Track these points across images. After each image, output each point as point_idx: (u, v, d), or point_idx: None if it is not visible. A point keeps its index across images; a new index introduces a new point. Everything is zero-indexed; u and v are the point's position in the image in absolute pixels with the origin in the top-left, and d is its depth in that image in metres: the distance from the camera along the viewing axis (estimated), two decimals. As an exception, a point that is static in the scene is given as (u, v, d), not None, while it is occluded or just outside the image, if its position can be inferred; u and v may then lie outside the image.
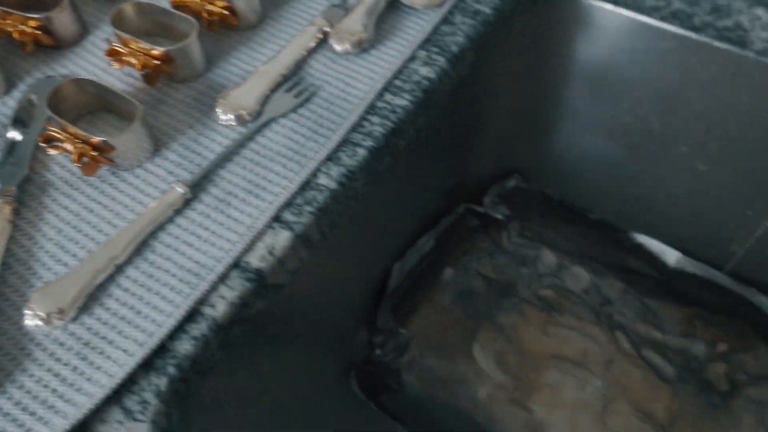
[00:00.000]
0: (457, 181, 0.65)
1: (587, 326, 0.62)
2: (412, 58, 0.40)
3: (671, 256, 0.63)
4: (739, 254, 0.58)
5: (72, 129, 0.35)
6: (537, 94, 0.57)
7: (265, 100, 0.37)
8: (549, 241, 0.67)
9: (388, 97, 0.38)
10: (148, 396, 0.28)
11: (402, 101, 0.38)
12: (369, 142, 0.36)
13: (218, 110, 0.37)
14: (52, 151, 0.36)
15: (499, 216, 0.66)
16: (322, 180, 0.35)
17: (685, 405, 0.57)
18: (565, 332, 0.62)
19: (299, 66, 0.40)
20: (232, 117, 0.36)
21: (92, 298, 0.31)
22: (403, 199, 0.57)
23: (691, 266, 0.62)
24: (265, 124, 0.37)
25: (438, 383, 0.58)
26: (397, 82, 0.39)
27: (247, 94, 0.37)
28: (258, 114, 0.37)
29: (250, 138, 0.36)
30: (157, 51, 0.38)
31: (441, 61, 0.40)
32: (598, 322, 0.62)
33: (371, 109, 0.37)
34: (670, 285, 0.63)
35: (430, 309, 0.63)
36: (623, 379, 0.58)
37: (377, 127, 0.37)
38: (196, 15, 0.42)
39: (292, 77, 0.39)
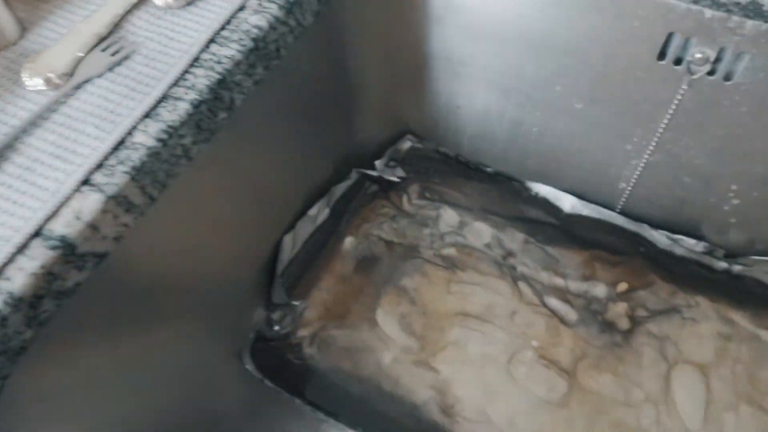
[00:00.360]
0: (348, 146, 0.63)
1: (491, 280, 0.61)
2: (242, 7, 0.38)
3: (566, 201, 0.63)
4: (627, 191, 0.58)
5: None
6: (411, 48, 0.55)
7: (78, 61, 0.35)
8: (449, 200, 0.66)
9: (214, 48, 0.36)
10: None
11: (229, 51, 0.36)
12: (192, 95, 0.34)
13: (24, 75, 0.34)
14: None
15: (394, 178, 0.64)
16: (139, 138, 0.32)
17: (587, 347, 0.57)
18: (468, 289, 0.61)
19: (119, 24, 0.37)
20: (41, 81, 0.34)
21: None
22: (289, 166, 0.55)
23: (586, 209, 0.62)
24: (79, 86, 0.34)
25: (341, 353, 0.57)
26: (225, 33, 0.37)
27: (56, 56, 0.34)
28: (70, 76, 0.34)
29: (61, 101, 0.34)
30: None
31: (272, 8, 0.37)
32: (501, 275, 0.61)
33: (196, 62, 0.35)
34: (568, 230, 0.62)
35: (331, 279, 0.61)
36: (527, 328, 0.58)
37: (201, 79, 0.34)
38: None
39: (110, 36, 0.36)
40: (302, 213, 0.59)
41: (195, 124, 0.34)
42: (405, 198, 0.66)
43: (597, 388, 0.54)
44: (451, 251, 0.63)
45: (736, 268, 0.56)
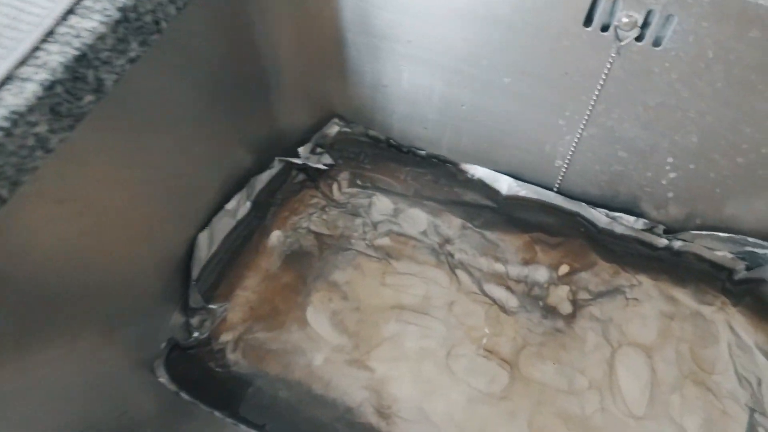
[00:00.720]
0: (269, 133, 0.58)
1: (427, 270, 0.58)
2: (110, -28, 0.33)
3: (503, 183, 0.59)
4: (564, 169, 0.55)
5: None
6: (327, 22, 0.51)
7: None
8: (382, 186, 0.62)
9: (73, 20, 0.31)
10: None
11: (91, 23, 0.31)
12: (43, 75, 0.29)
13: None
14: None
15: (321, 166, 0.60)
16: (-24, 127, 0.27)
17: (529, 335, 0.54)
18: (404, 280, 0.57)
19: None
20: None
21: None
22: (201, 156, 0.50)
23: (523, 190, 0.59)
24: None
25: (268, 357, 0.52)
26: (87, 2, 0.32)
27: None
28: None
29: None
30: None
31: (147, -27, 0.33)
32: (438, 263, 0.58)
33: (50, 36, 0.30)
34: (507, 213, 0.59)
35: (256, 277, 0.57)
36: (466, 319, 0.55)
37: (56, 56, 0.29)
38: None
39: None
40: (220, 207, 0.55)
41: (50, 108, 0.29)
42: (335, 186, 0.62)
43: (539, 378, 0.52)
44: (385, 241, 0.59)
45: (677, 244, 0.54)
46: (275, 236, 0.59)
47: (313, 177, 0.62)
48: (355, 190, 0.62)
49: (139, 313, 0.48)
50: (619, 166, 0.52)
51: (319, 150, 0.61)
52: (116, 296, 0.45)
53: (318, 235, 0.59)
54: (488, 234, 0.59)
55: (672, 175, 0.50)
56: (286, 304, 0.55)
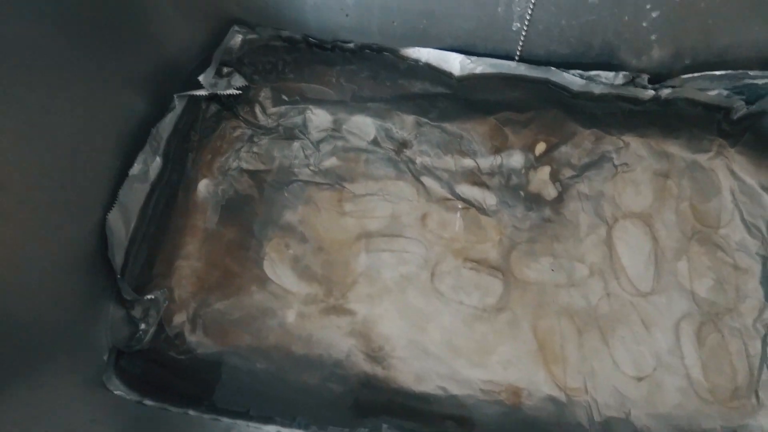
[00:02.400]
0: (157, 65, 0.46)
1: (388, 185, 0.50)
2: None
3: (455, 62, 0.50)
4: (524, 32, 0.46)
5: None
6: None
7: None
8: (313, 96, 0.52)
9: None
10: None
11: None
12: None
13: None
14: None
15: (233, 91, 0.49)
16: None
17: (516, 233, 0.48)
18: (365, 203, 0.49)
19: None
20: None
21: None
22: (73, 115, 0.39)
23: (479, 66, 0.49)
24: None
25: (234, 329, 0.46)
26: None
27: None
28: None
29: None
30: None
31: None
32: (399, 174, 0.50)
33: None
34: (464, 97, 0.50)
35: (196, 242, 0.48)
36: (443, 231, 0.48)
37: None
38: None
39: None
40: (124, 175, 0.44)
41: None
42: (258, 109, 0.51)
43: (536, 278, 0.46)
44: (332, 162, 0.51)
45: (665, 92, 0.47)
46: (203, 187, 0.49)
47: (229, 104, 0.51)
48: (282, 108, 0.51)
49: (66, 327, 0.40)
50: (589, 15, 0.42)
51: (225, 71, 0.50)
52: (27, 319, 0.36)
53: (253, 174, 0.50)
54: (448, 126, 0.50)
55: (654, 14, 0.41)
56: (238, 264, 0.48)
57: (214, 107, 0.51)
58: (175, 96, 0.46)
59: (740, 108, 0.46)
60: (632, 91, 0.47)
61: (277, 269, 0.47)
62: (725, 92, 0.45)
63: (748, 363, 0.43)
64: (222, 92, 0.48)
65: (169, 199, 0.48)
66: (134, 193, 0.45)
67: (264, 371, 0.44)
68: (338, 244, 0.48)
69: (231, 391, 0.43)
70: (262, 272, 0.47)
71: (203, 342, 0.45)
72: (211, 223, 0.49)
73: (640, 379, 0.43)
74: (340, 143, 0.51)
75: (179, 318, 0.46)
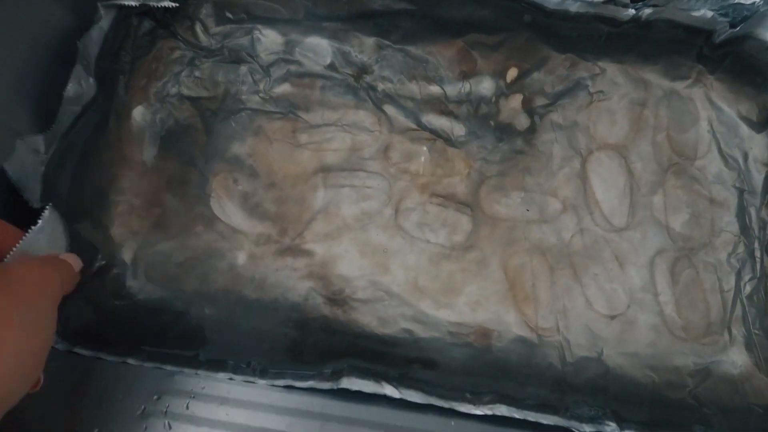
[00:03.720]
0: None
1: (347, 114, 0.45)
2: None
3: (420, -27, 0.45)
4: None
5: None
6: None
7: None
8: (261, 14, 0.46)
9: None
10: None
11: None
12: None
13: None
14: None
15: (167, 3, 0.43)
16: None
17: (485, 166, 0.44)
18: (321, 134, 0.45)
19: None
20: None
21: None
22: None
23: (447, -21, 0.44)
24: None
25: (180, 272, 0.42)
26: None
27: None
28: None
29: None
30: None
31: None
32: (358, 102, 0.45)
33: None
34: (429, 15, 0.46)
35: (132, 175, 0.43)
36: (408, 164, 0.44)
37: None
38: None
39: None
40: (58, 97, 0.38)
41: None
42: (198, 28, 0.45)
43: (506, 213, 0.43)
44: (285, 88, 0.46)
45: (646, 12, 0.43)
46: (138, 114, 0.44)
47: (165, 21, 0.45)
48: (227, 27, 0.46)
49: None
50: None
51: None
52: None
53: (195, 101, 0.45)
54: (412, 49, 0.46)
55: None
56: (182, 201, 0.43)
57: (147, 23, 0.44)
58: (99, 5, 0.40)
59: (723, 30, 0.43)
60: (611, 10, 0.43)
61: (225, 207, 0.43)
62: (710, 13, 0.42)
63: (721, 298, 0.42)
64: (155, 4, 0.42)
65: (98, 125, 0.42)
66: (63, 116, 0.39)
67: (213, 317, 0.41)
68: (292, 179, 0.44)
69: (176, 338, 0.40)
70: (209, 210, 0.43)
71: (145, 288, 0.41)
72: (148, 155, 0.43)
73: (613, 317, 0.41)
74: (293, 68, 0.46)
75: (117, 260, 0.41)
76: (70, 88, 0.40)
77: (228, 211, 0.43)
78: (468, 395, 0.37)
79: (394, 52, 0.46)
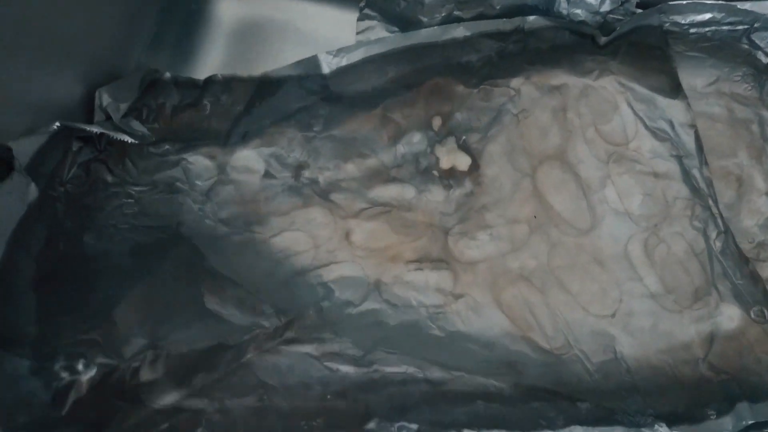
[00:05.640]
0: None
1: (299, 214, 0.45)
2: None
3: (321, 62, 0.45)
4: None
5: None
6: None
7: None
8: (184, 141, 0.45)
9: None
10: None
11: None
12: None
13: None
14: None
15: (127, 138, 0.41)
16: None
17: (444, 219, 0.45)
18: (281, 242, 0.45)
19: None
20: None
21: None
22: None
23: (344, 57, 0.45)
24: None
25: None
26: None
27: None
28: None
29: None
30: None
31: None
32: (305, 200, 0.46)
33: None
34: (340, 96, 0.46)
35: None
36: (373, 242, 0.45)
37: None
38: None
39: None
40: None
41: None
42: (129, 163, 0.44)
43: (480, 255, 0.45)
44: (231, 209, 0.45)
45: (528, 21, 0.45)
46: (91, 240, 0.41)
47: (103, 153, 0.43)
48: (154, 161, 0.45)
49: None
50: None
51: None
52: None
53: (147, 229, 0.43)
54: (337, 132, 0.46)
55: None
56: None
57: (87, 152, 0.42)
58: (57, 123, 0.38)
59: (600, 36, 0.46)
60: (494, 24, 0.45)
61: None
62: (583, 17, 0.45)
63: (698, 261, 0.44)
64: (116, 136, 0.41)
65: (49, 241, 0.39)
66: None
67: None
68: (269, 289, 0.43)
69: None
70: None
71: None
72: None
73: (612, 315, 0.43)
74: (231, 188, 0.45)
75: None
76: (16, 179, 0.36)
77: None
78: (542, 422, 0.37)
79: (322, 141, 0.46)
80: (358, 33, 0.47)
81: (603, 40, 0.46)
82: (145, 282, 0.41)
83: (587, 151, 0.47)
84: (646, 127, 0.47)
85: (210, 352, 0.39)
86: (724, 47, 0.47)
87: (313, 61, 0.46)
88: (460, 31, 0.45)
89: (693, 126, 0.46)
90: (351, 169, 0.46)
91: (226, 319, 0.41)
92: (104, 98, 0.43)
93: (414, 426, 0.36)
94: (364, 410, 0.37)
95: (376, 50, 0.46)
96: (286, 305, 0.43)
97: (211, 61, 0.51)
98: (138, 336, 0.39)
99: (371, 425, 0.36)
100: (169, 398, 0.37)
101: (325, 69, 0.46)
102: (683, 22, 0.46)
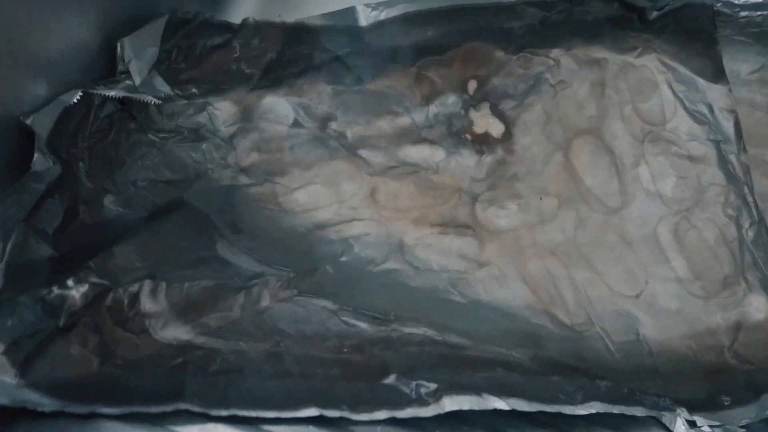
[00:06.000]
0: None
1: (324, 167, 0.44)
2: None
3: (359, 14, 0.44)
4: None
5: None
6: None
7: None
8: (211, 87, 0.44)
9: None
10: None
11: None
12: None
13: None
14: None
15: (152, 99, 0.40)
16: None
17: (474, 184, 0.44)
18: (305, 195, 0.43)
19: None
20: None
21: None
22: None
23: (383, 11, 0.44)
24: None
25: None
26: None
27: None
28: None
29: None
30: None
31: None
32: (332, 154, 0.44)
33: None
34: (378, 52, 0.45)
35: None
36: (398, 202, 0.44)
37: None
38: None
39: None
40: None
41: None
42: (152, 109, 0.42)
43: (507, 225, 0.43)
44: (254, 158, 0.44)
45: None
46: (110, 204, 0.40)
47: (127, 104, 0.42)
48: (179, 104, 0.43)
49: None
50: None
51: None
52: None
53: (168, 184, 0.42)
54: (370, 87, 0.45)
55: None
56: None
57: (111, 105, 0.41)
58: (80, 93, 0.36)
59: (651, 10, 0.44)
60: None
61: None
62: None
63: (729, 250, 0.43)
64: (139, 99, 0.39)
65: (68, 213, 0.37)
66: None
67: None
68: (288, 243, 0.42)
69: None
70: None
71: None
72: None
73: (637, 296, 0.42)
74: (256, 135, 0.44)
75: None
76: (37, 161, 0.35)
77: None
78: (561, 396, 0.35)
79: (352, 96, 0.45)
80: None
81: (653, 14, 0.44)
82: (153, 229, 0.40)
83: (623, 129, 0.46)
84: (685, 108, 0.46)
85: (214, 290, 0.38)
86: (774, 34, 0.46)
87: (350, 13, 0.44)
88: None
89: (733, 111, 0.45)
90: (381, 125, 0.44)
91: (234, 263, 0.40)
92: (127, 49, 0.41)
93: (433, 385, 0.34)
94: (381, 365, 0.36)
95: (416, 7, 0.45)
96: (303, 258, 0.41)
97: (243, 7, 0.49)
98: (136, 269, 0.37)
99: (389, 380, 0.34)
100: (178, 332, 0.35)
101: (362, 21, 0.44)
102: (736, 2, 0.44)
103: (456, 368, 0.36)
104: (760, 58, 0.47)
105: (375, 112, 0.45)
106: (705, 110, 0.46)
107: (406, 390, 0.34)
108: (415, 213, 0.43)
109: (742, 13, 0.45)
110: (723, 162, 0.45)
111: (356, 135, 0.44)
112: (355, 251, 0.42)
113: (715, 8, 0.45)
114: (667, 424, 0.36)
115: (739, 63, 0.47)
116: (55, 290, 0.32)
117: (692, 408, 0.37)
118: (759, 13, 0.45)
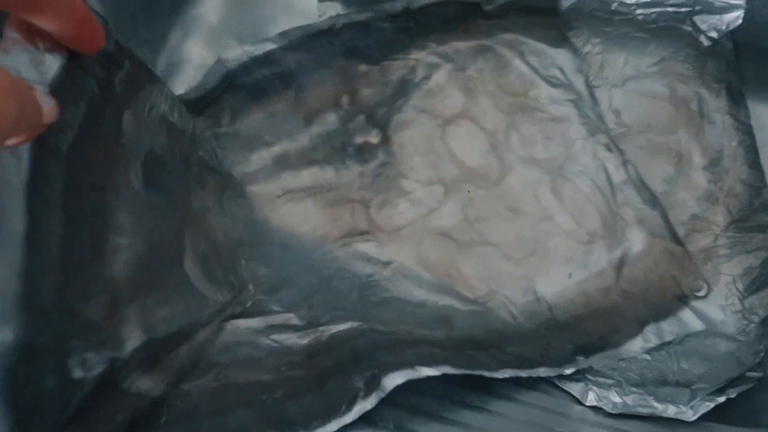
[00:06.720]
0: None
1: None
2: None
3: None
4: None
5: None
6: None
7: None
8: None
9: None
10: None
11: None
12: None
13: None
14: None
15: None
16: None
17: (363, 193, 0.47)
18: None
19: None
20: None
21: None
22: None
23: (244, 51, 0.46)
24: None
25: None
26: None
27: None
28: None
29: None
30: None
31: None
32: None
33: None
34: (251, 86, 0.47)
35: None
36: (300, 225, 0.47)
37: None
38: None
39: None
40: None
41: None
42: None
43: (403, 221, 0.47)
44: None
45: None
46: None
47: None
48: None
49: None
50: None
51: None
52: None
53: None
54: (245, 123, 0.48)
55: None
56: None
57: None
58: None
59: (485, 3, 0.48)
60: (383, 10, 0.46)
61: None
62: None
63: (601, 194, 0.48)
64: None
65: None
66: None
67: None
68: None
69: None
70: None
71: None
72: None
73: (531, 254, 0.46)
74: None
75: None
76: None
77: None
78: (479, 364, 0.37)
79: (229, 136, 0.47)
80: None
81: (488, 7, 0.47)
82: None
83: (491, 105, 0.49)
84: (541, 76, 0.50)
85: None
86: (669, 30, 0.48)
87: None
88: (356, 17, 0.46)
89: (580, 71, 0.49)
90: (265, 156, 0.47)
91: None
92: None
93: (368, 373, 0.35)
94: (318, 373, 0.37)
95: (277, 44, 0.47)
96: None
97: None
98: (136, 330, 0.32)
99: (330, 386, 0.36)
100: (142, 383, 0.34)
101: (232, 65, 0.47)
102: (630, 2, 0.47)
103: (386, 349, 0.37)
104: (660, 51, 0.50)
105: (259, 143, 0.47)
106: (558, 74, 0.50)
107: (348, 384, 0.35)
108: (319, 231, 0.46)
109: (638, 11, 0.47)
110: (583, 117, 0.49)
111: (240, 174, 0.46)
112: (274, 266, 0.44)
113: (612, 7, 0.47)
114: (579, 397, 0.40)
115: (640, 57, 0.50)
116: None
117: (589, 352, 0.41)
118: (653, 10, 0.47)
